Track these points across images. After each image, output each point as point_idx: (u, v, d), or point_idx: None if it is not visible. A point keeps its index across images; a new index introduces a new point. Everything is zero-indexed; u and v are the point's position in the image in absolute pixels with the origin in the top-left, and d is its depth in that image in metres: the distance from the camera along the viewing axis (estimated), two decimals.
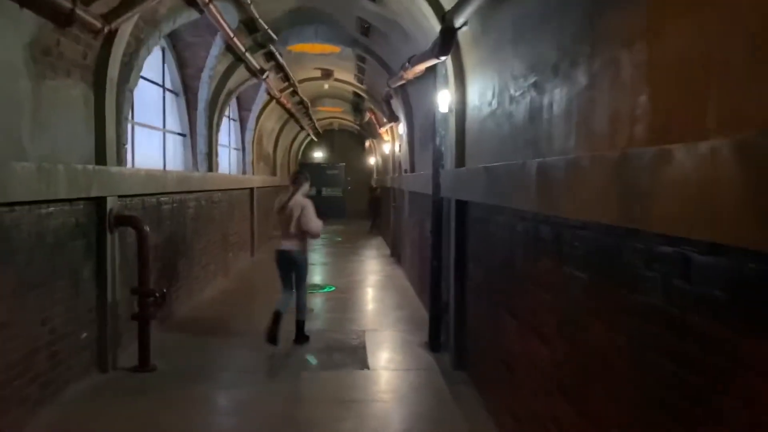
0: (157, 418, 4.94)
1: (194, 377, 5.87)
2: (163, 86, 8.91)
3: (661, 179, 2.09)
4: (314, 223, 6.86)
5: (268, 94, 13.80)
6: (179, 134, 9.75)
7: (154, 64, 8.68)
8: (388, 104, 11.84)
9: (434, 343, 6.81)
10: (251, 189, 14.53)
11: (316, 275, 12.23)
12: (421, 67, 6.90)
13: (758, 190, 1.61)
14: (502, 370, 4.49)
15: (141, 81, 8.05)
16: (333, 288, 10.66)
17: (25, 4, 4.16)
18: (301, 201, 6.88)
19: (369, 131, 21.46)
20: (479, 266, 5.41)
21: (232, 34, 8.49)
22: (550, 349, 3.46)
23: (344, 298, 9.85)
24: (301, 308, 7.07)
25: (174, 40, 9.06)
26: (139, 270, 6.09)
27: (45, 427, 4.64)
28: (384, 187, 18.51)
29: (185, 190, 8.75)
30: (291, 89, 14.88)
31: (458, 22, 5.39)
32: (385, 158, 18.53)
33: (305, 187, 7.05)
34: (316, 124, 23.75)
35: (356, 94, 16.68)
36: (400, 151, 13.29)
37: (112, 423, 4.83)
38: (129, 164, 7.47)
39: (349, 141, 29.51)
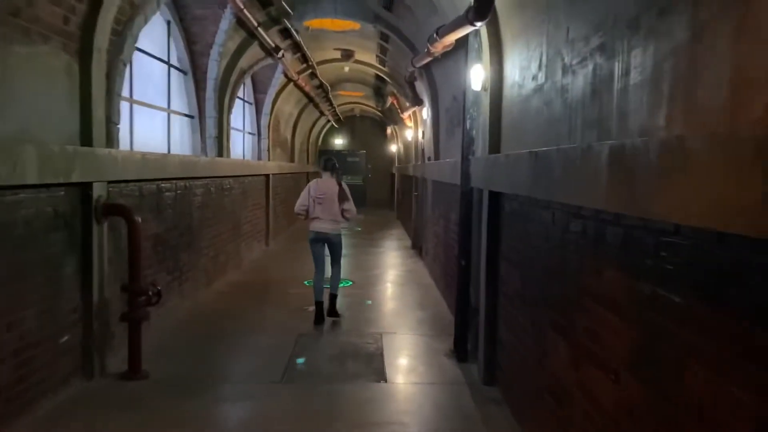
0: None
1: (190, 387, 5.20)
2: (168, 63, 8.22)
3: None
4: (353, 205, 7.61)
5: (285, 75, 13.08)
6: (186, 116, 9.07)
7: (158, 38, 8.00)
8: (412, 87, 11.03)
9: (461, 352, 6.07)
10: (267, 176, 13.85)
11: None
12: (451, 39, 6.10)
13: None
14: (547, 399, 3.73)
15: (143, 57, 7.38)
16: (350, 283, 9.94)
17: None
18: (341, 185, 7.54)
19: (391, 117, 20.66)
20: (516, 270, 4.64)
21: (242, 5, 7.75)
22: (619, 389, 2.69)
23: (361, 294, 9.14)
24: (336, 284, 7.71)
25: (181, 14, 8.36)
26: (129, 265, 5.41)
27: None
28: (405, 176, 17.74)
29: (191, 176, 8.08)
30: (309, 71, 14.15)
31: None
32: (407, 145, 17.74)
33: (340, 172, 7.73)
34: (337, 110, 22.98)
35: (378, 78, 15.88)
36: (423, 137, 12.50)
37: None
38: (126, 147, 6.81)
39: (371, 128, 28.72)
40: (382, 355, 6.16)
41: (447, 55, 7.53)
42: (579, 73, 3.33)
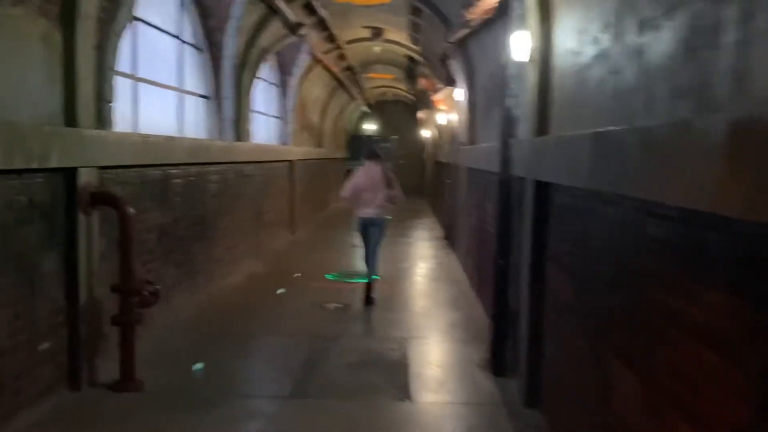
0: None
1: (187, 402, 4.57)
2: (180, 38, 7.57)
3: None
4: (400, 191, 7.75)
5: (311, 56, 12.37)
6: (202, 96, 8.43)
7: (170, 12, 7.35)
8: (445, 66, 10.21)
9: (497, 364, 5.31)
10: (292, 162, 13.21)
11: (358, 259, 10.85)
12: (490, 1, 5.28)
13: None
14: None
15: (151, 31, 6.74)
16: (377, 277, 9.23)
17: None
18: (389, 173, 7.64)
19: (423, 101, 19.80)
20: (568, 276, 3.86)
21: None
22: None
23: (388, 291, 8.42)
24: (374, 266, 7.75)
25: None
26: (121, 262, 4.78)
27: None
28: (437, 162, 16.92)
29: (204, 162, 7.45)
30: (337, 51, 13.42)
31: None
32: (439, 130, 16.90)
33: (383, 160, 7.84)
34: (368, 94, 22.23)
35: (410, 59, 15.05)
36: (456, 121, 11.67)
37: None
38: (128, 128, 6.19)
39: (403, 112, 27.86)
40: (406, 365, 5.44)
41: (485, 26, 6.72)
42: (664, 27, 2.52)
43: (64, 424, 4.17)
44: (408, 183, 13.82)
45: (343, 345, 5.99)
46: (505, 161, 5.21)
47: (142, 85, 6.49)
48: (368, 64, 17.19)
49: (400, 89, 22.68)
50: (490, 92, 7.49)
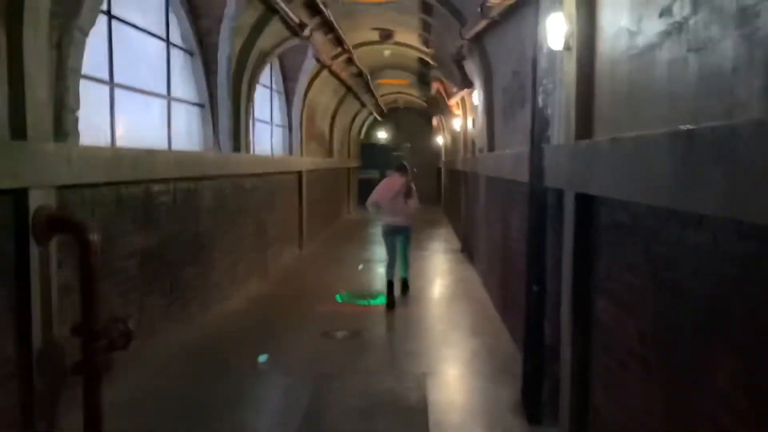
0: None
1: None
2: (167, 40, 6.86)
3: None
4: (417, 202, 8.29)
5: (318, 60, 11.65)
6: (195, 104, 7.72)
7: (155, 11, 6.66)
8: (460, 67, 9.44)
9: (532, 409, 4.49)
10: (299, 173, 12.48)
11: (371, 276, 10.08)
12: None
13: None
14: None
15: (133, 32, 6.04)
16: (405, 275, 8.46)
17: None
18: (411, 185, 8.15)
19: (437, 106, 19.04)
20: (629, 314, 3.05)
21: None
22: None
23: (402, 314, 7.64)
24: (406, 267, 8.42)
25: None
26: (82, 300, 4.02)
27: None
28: (453, 171, 16.12)
29: (195, 176, 6.72)
30: (345, 55, 12.68)
31: None
32: (454, 136, 16.11)
33: (408, 172, 8.29)
34: (379, 101, 21.49)
35: (422, 62, 14.31)
36: (473, 126, 10.89)
37: None
38: (105, 141, 5.48)
39: (416, 119, 27.12)
40: (425, 410, 4.63)
41: (506, 16, 5.95)
42: None
43: None
44: (422, 192, 13.00)
45: (353, 384, 5.20)
46: (537, 170, 4.41)
47: (122, 93, 5.78)
48: (378, 69, 16.46)
49: (413, 95, 21.94)
50: (512, 93, 6.70)
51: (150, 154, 5.59)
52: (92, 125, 5.16)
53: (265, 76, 11.08)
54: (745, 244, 1.95)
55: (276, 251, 10.72)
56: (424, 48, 12.29)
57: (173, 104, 7.08)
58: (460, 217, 13.24)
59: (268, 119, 11.47)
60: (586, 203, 3.62)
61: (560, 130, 4.20)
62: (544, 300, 4.43)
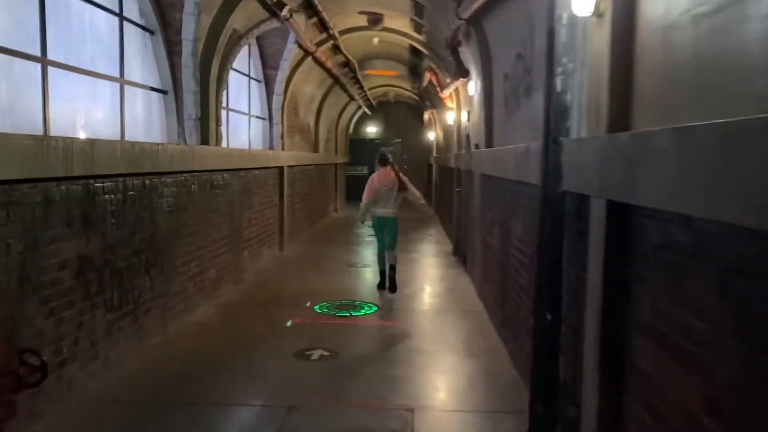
0: None
1: None
2: (120, 15, 5.98)
3: None
4: (416, 191, 8.69)
5: (300, 46, 10.77)
6: (156, 90, 6.84)
7: None
8: (455, 53, 8.60)
9: None
10: (280, 168, 11.61)
11: (355, 283, 9.24)
12: None
13: None
14: None
15: (83, 6, 5.16)
16: (375, 308, 7.62)
17: None
18: (398, 176, 8.40)
19: (429, 99, 18.20)
20: (682, 364, 2.23)
21: None
22: None
23: (388, 330, 6.81)
24: (393, 264, 8.45)
25: None
26: None
27: None
28: (445, 168, 15.29)
29: (151, 171, 5.85)
30: (331, 42, 11.81)
31: None
32: (447, 131, 15.28)
33: (395, 164, 8.64)
34: (368, 94, 20.61)
35: (413, 51, 13.45)
36: (468, 119, 10.06)
37: None
38: (37, 128, 4.60)
39: (406, 114, 26.26)
40: None
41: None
42: None
43: None
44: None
45: (328, 423, 4.36)
46: (553, 170, 3.57)
47: (61, 75, 4.90)
48: (367, 59, 15.58)
49: (403, 88, 21.08)
50: (516, 80, 5.87)
51: (90, 144, 4.70)
52: (15, 110, 4.30)
53: (242, 62, 10.20)
54: None
55: (253, 253, 9.86)
56: (415, 34, 11.44)
57: (129, 90, 6.20)
58: (453, 217, 12.42)
59: (246, 110, 10.59)
60: (622, 214, 2.80)
61: (584, 120, 3.37)
62: (558, 330, 3.61)
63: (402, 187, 8.32)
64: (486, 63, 7.21)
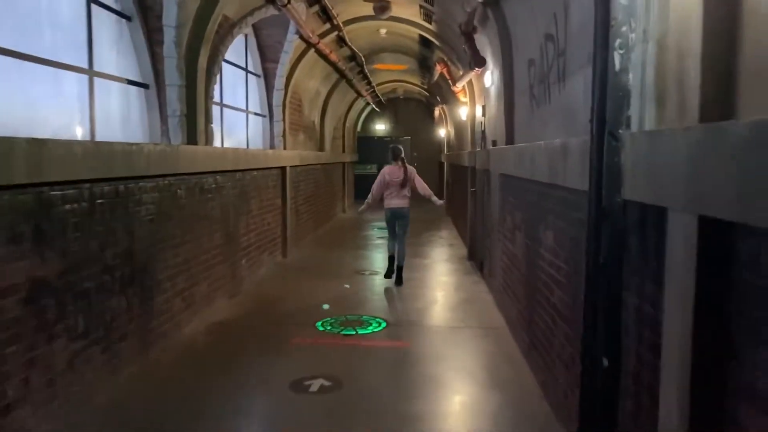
0: None
1: None
2: None
3: None
4: (424, 184, 9.06)
5: (302, 38, 9.99)
6: (135, 84, 6.08)
7: None
8: (470, 41, 7.78)
9: None
10: (282, 169, 10.84)
11: (362, 292, 8.45)
12: None
13: None
14: None
15: None
16: (383, 324, 6.83)
17: None
18: (406, 170, 8.79)
19: (439, 95, 17.37)
20: None
21: None
22: None
23: (398, 352, 6.02)
24: (402, 257, 8.87)
25: None
26: None
27: None
28: (458, 166, 14.47)
29: (126, 176, 5.10)
30: (335, 33, 11.03)
31: None
32: (459, 128, 14.45)
33: (405, 159, 8.97)
34: (376, 90, 19.82)
35: (423, 43, 12.64)
36: (483, 114, 9.25)
37: None
38: None
39: (416, 111, 25.46)
40: None
41: None
42: None
43: None
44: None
45: None
46: (609, 173, 2.76)
47: (5, 63, 4.14)
48: (374, 52, 14.77)
49: (413, 84, 20.27)
50: (545, 65, 5.05)
51: (38, 146, 3.93)
52: None
53: (238, 54, 9.44)
54: None
55: (252, 262, 9.11)
56: (425, 23, 10.62)
57: (102, 84, 5.45)
58: (466, 219, 11.60)
59: (243, 106, 9.83)
60: (724, 237, 1.99)
61: (650, 107, 2.57)
62: (617, 381, 2.80)
63: (409, 180, 8.75)
64: (506, 49, 6.40)
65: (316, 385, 5.03)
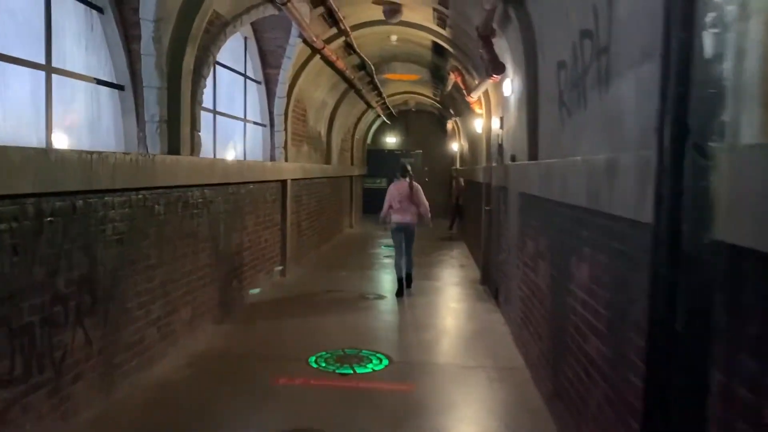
0: None
1: None
2: None
3: None
4: (425, 204, 9.25)
5: (306, 42, 9.29)
6: (108, 84, 5.37)
7: None
8: (488, 45, 7.02)
9: None
10: (282, 182, 10.11)
11: (365, 320, 7.64)
12: None
13: None
14: None
15: None
16: (385, 362, 6.02)
17: None
18: (412, 188, 9.08)
19: (453, 107, 16.63)
20: None
21: None
22: None
23: (400, 398, 5.19)
24: (410, 265, 9.16)
25: None
26: None
27: None
28: (471, 182, 13.68)
29: (83, 190, 4.36)
30: (342, 39, 10.33)
31: None
32: (473, 141, 13.67)
33: (412, 176, 9.33)
34: (387, 101, 19.12)
35: (436, 50, 11.90)
36: (501, 126, 8.47)
37: None
38: None
39: (428, 124, 24.70)
40: None
41: None
42: None
43: None
44: (434, 204, 10.67)
45: None
46: (693, 202, 1.97)
47: None
48: (384, 60, 14.06)
49: (425, 95, 19.55)
50: (580, 67, 4.27)
51: None
52: None
53: (237, 59, 8.75)
54: None
55: (246, 283, 8.35)
56: (438, 29, 9.89)
57: (65, 83, 4.73)
58: (479, 239, 10.79)
59: (241, 114, 9.12)
60: None
61: (758, 110, 1.78)
62: None
63: (413, 196, 9.01)
64: (530, 52, 5.62)
65: None
